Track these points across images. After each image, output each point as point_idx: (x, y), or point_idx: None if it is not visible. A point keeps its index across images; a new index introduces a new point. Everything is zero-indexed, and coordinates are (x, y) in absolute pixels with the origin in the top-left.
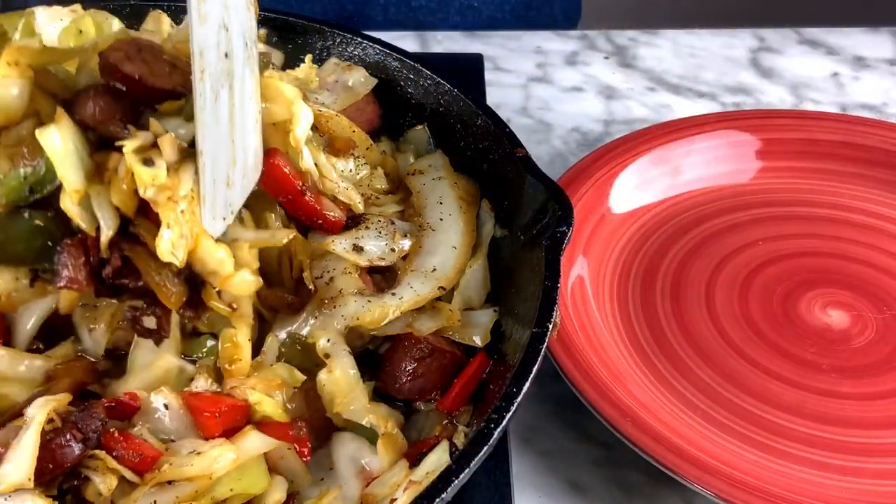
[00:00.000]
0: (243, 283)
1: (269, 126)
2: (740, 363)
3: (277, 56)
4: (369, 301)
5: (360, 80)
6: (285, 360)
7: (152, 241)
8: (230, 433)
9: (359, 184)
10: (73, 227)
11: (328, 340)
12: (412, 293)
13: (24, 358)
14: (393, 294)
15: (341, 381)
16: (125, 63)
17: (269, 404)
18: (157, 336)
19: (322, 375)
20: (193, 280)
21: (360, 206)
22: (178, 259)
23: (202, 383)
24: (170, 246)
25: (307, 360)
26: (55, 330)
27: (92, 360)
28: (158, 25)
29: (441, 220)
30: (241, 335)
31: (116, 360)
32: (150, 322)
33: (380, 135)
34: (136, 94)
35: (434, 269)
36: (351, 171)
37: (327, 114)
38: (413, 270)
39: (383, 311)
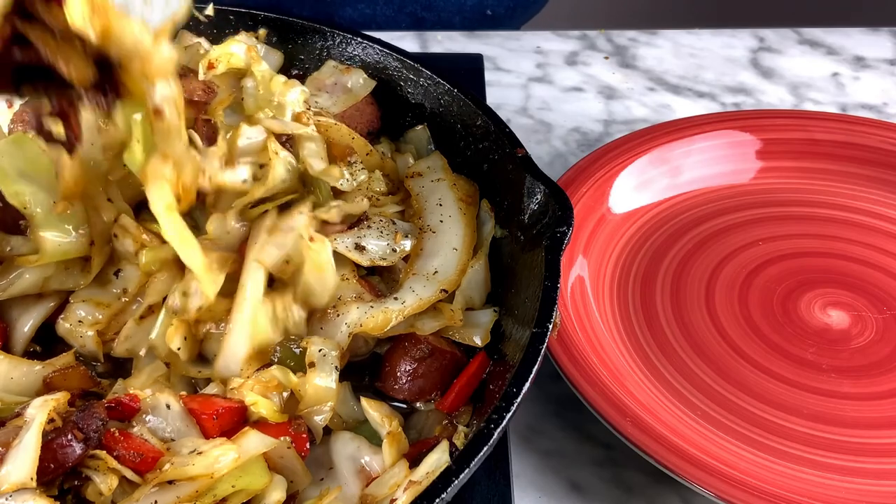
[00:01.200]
0: (166, 59)
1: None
2: (740, 363)
3: (277, 56)
4: (371, 307)
5: (358, 82)
6: (279, 362)
7: (52, 18)
8: (228, 434)
9: (357, 188)
10: None
11: (320, 350)
12: (414, 297)
13: (23, 364)
14: (395, 299)
15: (310, 392)
16: None
17: (265, 405)
18: (69, 146)
19: (295, 378)
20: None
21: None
22: (92, 31)
23: (211, 388)
24: (81, 13)
25: (303, 364)
26: (52, 332)
27: (92, 363)
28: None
29: (441, 221)
30: (176, 146)
31: (117, 362)
32: (56, 126)
33: (379, 135)
34: None
35: (436, 272)
36: (347, 179)
37: (327, 122)
38: (415, 274)
39: (386, 317)
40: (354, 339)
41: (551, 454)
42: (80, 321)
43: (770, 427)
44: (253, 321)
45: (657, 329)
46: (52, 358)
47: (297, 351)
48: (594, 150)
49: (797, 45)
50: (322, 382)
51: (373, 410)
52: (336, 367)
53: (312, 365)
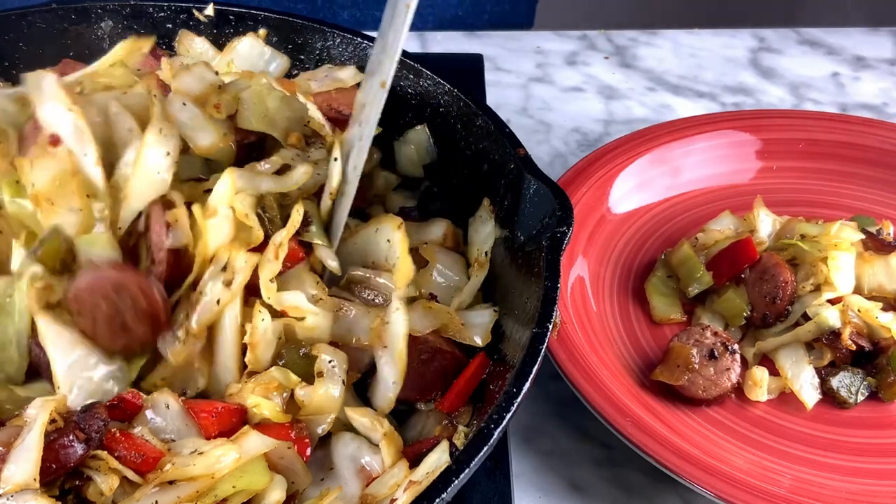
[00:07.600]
0: None
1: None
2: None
3: (283, 60)
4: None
5: (350, 74)
6: (284, 365)
7: None
8: (226, 435)
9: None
10: None
11: (330, 361)
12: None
13: None
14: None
15: (315, 401)
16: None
17: (268, 406)
18: None
19: (300, 391)
20: None
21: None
22: None
23: None
24: None
25: (308, 368)
26: None
27: None
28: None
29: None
30: None
31: None
32: None
33: (380, 136)
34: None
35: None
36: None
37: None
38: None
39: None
40: (358, 353)
41: (551, 454)
42: None
43: (770, 427)
44: (236, 352)
45: (657, 329)
46: None
47: (303, 355)
48: (594, 150)
49: (797, 45)
50: (327, 393)
51: (360, 417)
52: (343, 380)
53: (320, 374)
